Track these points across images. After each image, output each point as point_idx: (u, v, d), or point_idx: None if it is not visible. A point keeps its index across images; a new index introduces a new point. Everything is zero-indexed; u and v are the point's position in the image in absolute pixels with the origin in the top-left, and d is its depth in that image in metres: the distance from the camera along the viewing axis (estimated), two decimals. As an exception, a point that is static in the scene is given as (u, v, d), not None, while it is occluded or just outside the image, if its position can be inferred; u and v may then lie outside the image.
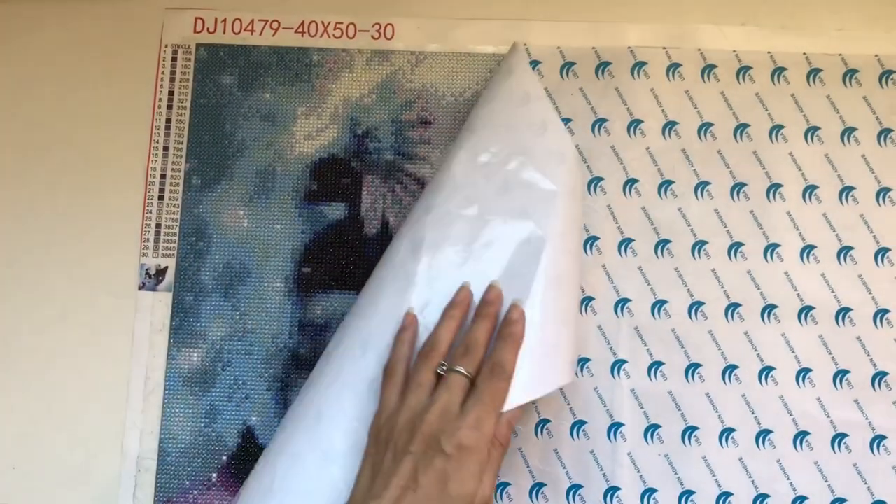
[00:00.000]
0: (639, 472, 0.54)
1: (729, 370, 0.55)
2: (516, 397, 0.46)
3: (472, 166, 0.53)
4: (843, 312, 0.55)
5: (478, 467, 0.43)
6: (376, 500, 0.42)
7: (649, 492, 0.54)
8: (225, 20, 0.61)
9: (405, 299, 0.51)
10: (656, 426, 0.54)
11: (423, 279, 0.51)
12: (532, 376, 0.47)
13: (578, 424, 0.54)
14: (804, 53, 0.58)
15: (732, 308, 0.56)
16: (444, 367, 0.47)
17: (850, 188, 0.57)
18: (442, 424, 0.44)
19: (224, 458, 0.56)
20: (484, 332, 0.48)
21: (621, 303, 0.56)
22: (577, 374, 0.54)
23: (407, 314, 0.50)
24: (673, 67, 0.59)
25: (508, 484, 0.54)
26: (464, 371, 0.46)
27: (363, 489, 0.44)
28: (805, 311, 0.55)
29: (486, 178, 0.53)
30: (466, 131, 0.55)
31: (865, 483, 0.54)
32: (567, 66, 0.59)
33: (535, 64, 0.59)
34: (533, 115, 0.55)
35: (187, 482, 0.56)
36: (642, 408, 0.54)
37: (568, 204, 0.53)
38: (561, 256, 0.51)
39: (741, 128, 0.58)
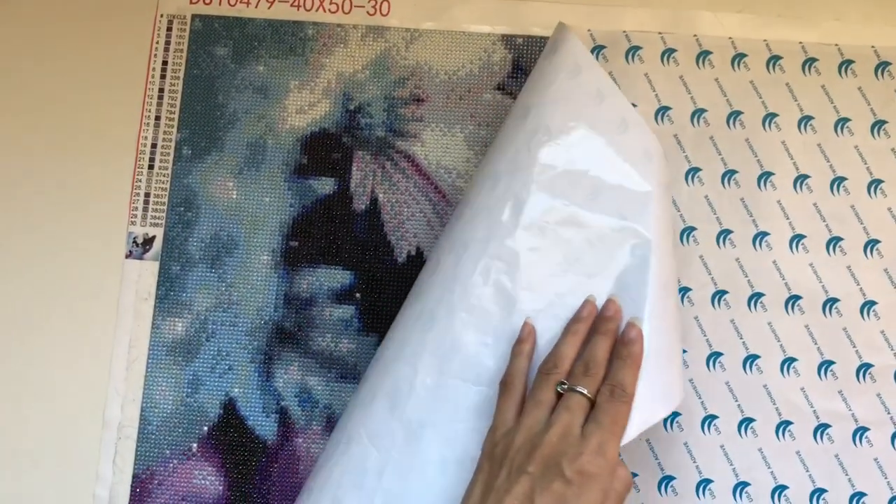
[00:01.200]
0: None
1: (713, 357, 0.55)
2: (638, 422, 0.44)
3: (556, 173, 0.50)
4: (830, 303, 0.55)
5: (600, 496, 0.41)
6: None
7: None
8: (221, -8, 0.61)
9: (511, 319, 0.49)
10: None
11: (524, 296, 0.49)
12: (652, 398, 0.45)
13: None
14: (800, 42, 0.58)
15: (719, 295, 0.55)
16: (565, 386, 0.45)
17: (842, 179, 0.57)
18: (563, 447, 0.42)
19: (205, 428, 0.56)
20: (604, 350, 0.46)
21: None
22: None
23: (525, 325, 0.48)
24: (668, 52, 0.58)
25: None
26: (585, 392, 0.44)
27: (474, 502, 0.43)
28: (792, 301, 0.55)
29: (571, 184, 0.50)
30: (535, 132, 0.51)
31: (846, 474, 0.53)
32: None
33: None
34: (611, 114, 0.51)
35: (167, 451, 0.56)
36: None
37: (663, 204, 0.50)
38: (665, 260, 0.49)
39: (734, 115, 0.57)
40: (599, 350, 0.46)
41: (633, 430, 0.44)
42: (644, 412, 0.45)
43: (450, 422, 0.48)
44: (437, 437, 0.48)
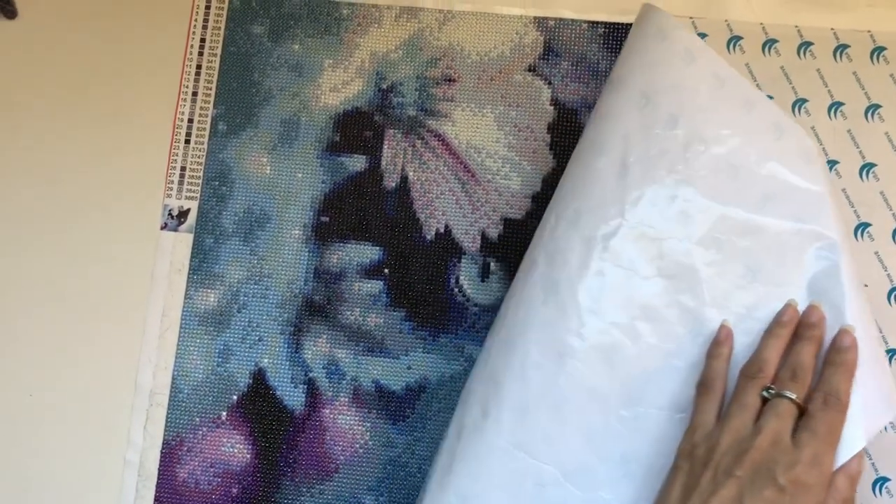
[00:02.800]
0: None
1: None
2: (854, 436, 0.43)
3: (719, 181, 0.49)
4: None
5: None
6: None
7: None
8: (259, -28, 0.62)
9: (699, 340, 0.48)
10: None
11: (711, 314, 0.48)
12: (869, 407, 0.44)
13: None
14: (832, 28, 0.58)
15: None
16: (772, 391, 0.44)
17: (871, 165, 0.57)
18: (774, 454, 0.41)
19: (234, 397, 0.57)
20: (810, 355, 0.45)
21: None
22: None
23: (722, 327, 0.47)
24: (699, 37, 0.59)
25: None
26: (794, 397, 0.43)
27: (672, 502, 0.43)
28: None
29: (738, 192, 0.49)
30: (688, 144, 0.50)
31: None
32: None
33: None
34: (764, 121, 0.50)
35: (197, 419, 0.57)
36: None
37: (836, 203, 0.49)
38: (852, 260, 0.48)
39: (765, 100, 0.58)
40: (806, 356, 0.45)
41: (857, 442, 0.43)
42: (863, 423, 0.43)
43: (656, 454, 0.47)
44: (642, 469, 0.47)
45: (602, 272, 0.49)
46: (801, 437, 0.42)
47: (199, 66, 0.61)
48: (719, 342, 0.47)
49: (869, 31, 0.58)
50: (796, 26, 0.58)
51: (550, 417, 0.48)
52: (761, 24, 0.59)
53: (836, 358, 0.44)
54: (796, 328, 0.46)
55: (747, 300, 0.48)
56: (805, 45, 0.58)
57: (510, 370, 0.49)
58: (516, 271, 0.53)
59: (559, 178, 0.57)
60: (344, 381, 0.57)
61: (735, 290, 0.48)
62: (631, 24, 0.59)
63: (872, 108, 0.57)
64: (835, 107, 0.57)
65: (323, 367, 0.57)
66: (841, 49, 0.58)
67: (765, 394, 0.44)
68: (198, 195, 0.60)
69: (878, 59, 0.58)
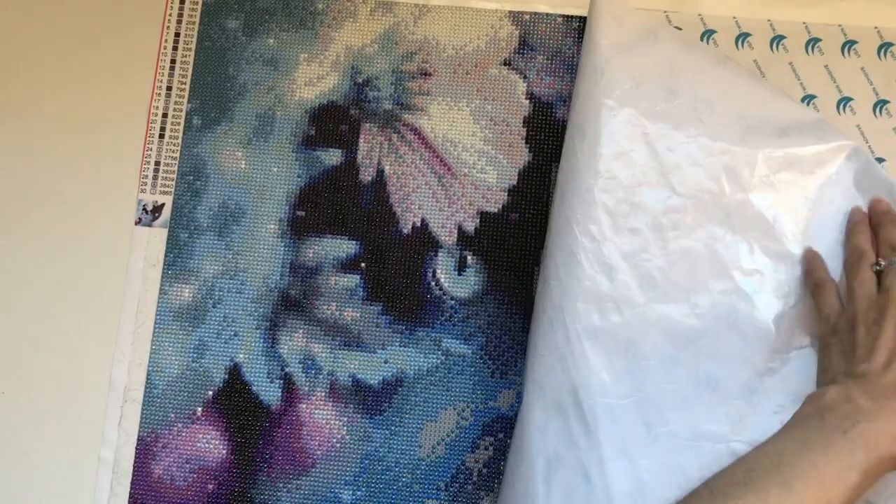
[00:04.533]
0: None
1: None
2: None
3: (735, 127, 0.53)
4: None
5: None
6: (866, 363, 0.44)
7: None
8: (233, -34, 0.62)
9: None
10: None
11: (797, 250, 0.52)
12: None
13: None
14: (804, 23, 0.59)
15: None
16: (882, 263, 0.48)
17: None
18: None
19: (210, 393, 0.57)
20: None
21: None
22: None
23: (807, 250, 0.51)
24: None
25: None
26: None
27: (838, 366, 0.46)
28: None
29: (764, 139, 0.53)
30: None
31: None
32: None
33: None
34: (739, 71, 0.56)
35: (172, 415, 0.57)
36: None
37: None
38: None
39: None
40: (894, 232, 0.49)
41: None
42: None
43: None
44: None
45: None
46: None
47: (173, 61, 0.61)
48: (809, 258, 0.51)
49: (840, 25, 0.59)
50: (769, 20, 0.59)
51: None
52: (734, 17, 0.59)
53: None
54: (870, 221, 0.51)
55: (825, 228, 0.52)
56: (777, 39, 0.59)
57: None
58: (495, 263, 0.53)
59: (535, 171, 0.57)
60: (321, 376, 0.57)
61: (810, 226, 0.52)
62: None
63: (844, 101, 0.58)
64: (807, 99, 0.58)
65: (299, 362, 0.57)
66: (813, 43, 0.59)
67: (876, 268, 0.48)
68: (172, 190, 0.59)
69: (849, 52, 0.58)
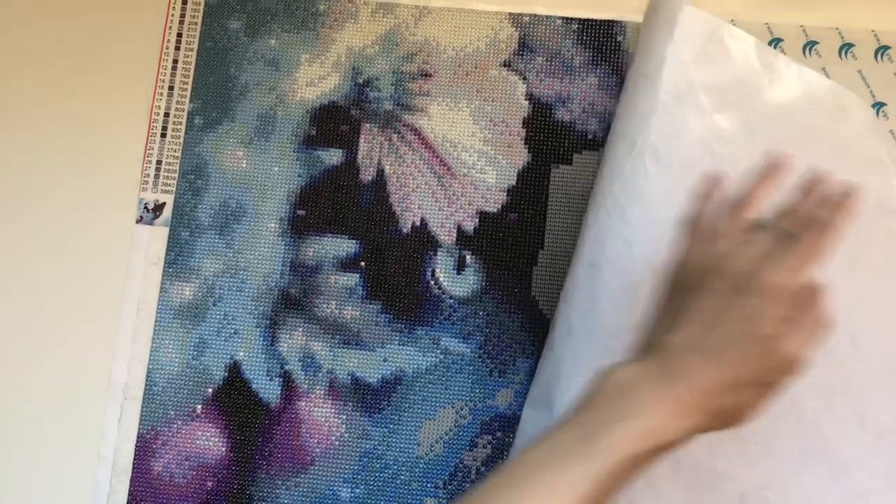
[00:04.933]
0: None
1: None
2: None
3: None
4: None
5: (786, 313, 0.39)
6: (668, 334, 0.40)
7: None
8: (236, -32, 0.62)
9: None
10: None
11: None
12: None
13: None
14: (801, 26, 0.59)
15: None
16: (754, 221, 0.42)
17: (841, 158, 0.57)
18: (751, 266, 0.39)
19: (210, 390, 0.57)
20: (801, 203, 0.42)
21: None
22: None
23: (708, 178, 0.45)
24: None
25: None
26: (777, 224, 0.41)
27: (659, 329, 0.41)
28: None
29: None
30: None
31: None
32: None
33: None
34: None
35: (172, 412, 0.57)
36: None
37: None
38: None
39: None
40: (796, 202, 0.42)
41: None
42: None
43: None
44: None
45: None
46: (780, 250, 0.40)
47: (175, 61, 0.61)
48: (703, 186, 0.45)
49: (837, 28, 0.59)
50: (766, 23, 0.59)
51: None
52: (732, 21, 0.59)
53: (833, 200, 0.41)
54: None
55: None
56: (775, 42, 0.59)
57: None
58: (493, 263, 0.54)
59: (534, 172, 0.58)
60: (320, 374, 0.57)
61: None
62: (605, 21, 0.60)
63: (841, 104, 0.58)
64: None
65: (299, 360, 0.57)
66: (810, 45, 0.59)
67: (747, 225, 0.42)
68: (173, 189, 0.60)
69: (846, 55, 0.59)
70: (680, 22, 0.53)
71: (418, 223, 0.58)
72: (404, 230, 0.58)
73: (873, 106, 0.58)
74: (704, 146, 0.52)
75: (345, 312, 0.58)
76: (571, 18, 0.60)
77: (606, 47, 0.60)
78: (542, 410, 0.52)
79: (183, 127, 0.60)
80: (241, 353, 0.57)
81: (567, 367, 0.51)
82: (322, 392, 0.57)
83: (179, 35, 0.62)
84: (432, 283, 0.58)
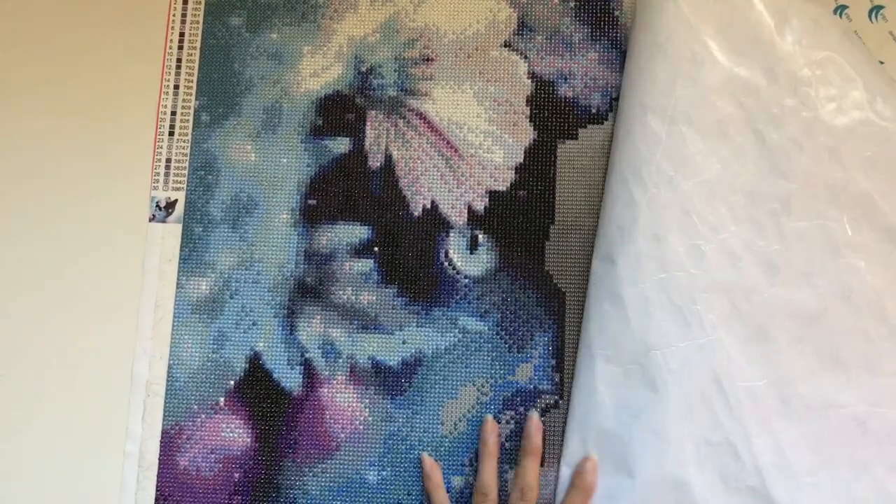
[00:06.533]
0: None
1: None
2: None
3: None
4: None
5: None
6: None
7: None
8: (234, -34, 0.63)
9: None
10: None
11: None
12: None
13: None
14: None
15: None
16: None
17: None
18: None
19: (231, 382, 0.57)
20: (534, 471, 0.53)
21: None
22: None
23: (424, 460, 0.55)
24: None
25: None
26: None
27: None
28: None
29: None
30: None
31: None
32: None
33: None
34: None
35: (195, 406, 0.57)
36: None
37: None
38: None
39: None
40: (531, 475, 0.53)
41: None
42: None
43: None
44: None
45: None
46: None
47: (179, 60, 0.62)
48: (427, 475, 0.55)
49: (832, -9, 0.60)
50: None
51: None
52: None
53: (577, 482, 0.53)
54: (524, 445, 0.54)
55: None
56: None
57: None
58: (506, 240, 0.55)
59: (540, 149, 0.58)
60: (340, 360, 0.57)
61: None
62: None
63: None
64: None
65: (318, 347, 0.57)
66: (840, 10, 0.60)
67: None
68: (184, 185, 0.60)
69: (876, 17, 0.59)
70: None
71: (429, 205, 0.59)
72: (415, 213, 0.59)
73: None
74: (732, 99, 0.54)
75: (361, 298, 0.58)
76: (568, -4, 0.61)
77: (604, 22, 0.61)
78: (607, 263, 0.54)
79: (190, 124, 0.61)
80: (261, 344, 0.58)
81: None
82: (343, 378, 0.57)
83: (182, 34, 0.62)
84: (446, 263, 0.58)
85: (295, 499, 0.56)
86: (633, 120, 0.55)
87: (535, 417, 0.55)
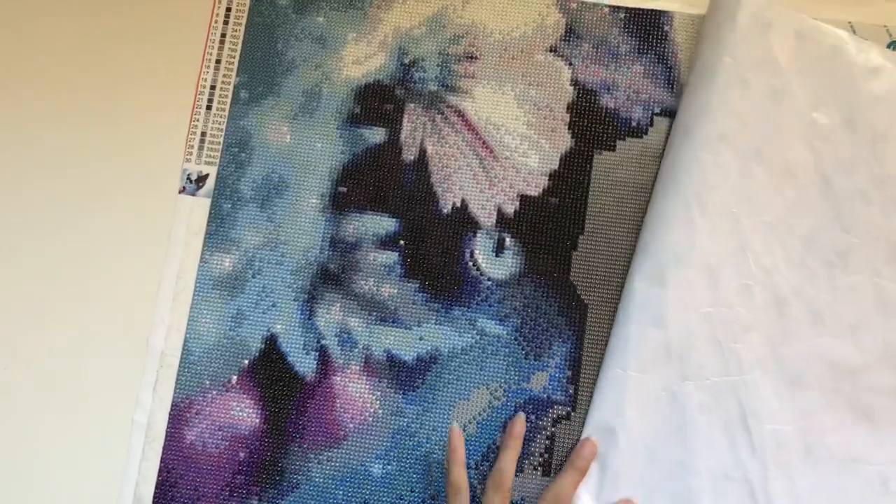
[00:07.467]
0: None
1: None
2: None
3: None
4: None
5: None
6: None
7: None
8: (286, -54, 0.63)
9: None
10: None
11: None
12: None
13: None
14: (849, 22, 0.59)
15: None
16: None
17: None
18: None
19: (245, 361, 0.57)
20: (510, 462, 0.53)
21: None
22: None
23: (452, 430, 0.55)
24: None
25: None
26: None
27: None
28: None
29: None
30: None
31: None
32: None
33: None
34: None
35: (207, 382, 0.57)
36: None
37: None
38: None
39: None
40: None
41: None
42: None
43: None
44: None
45: None
46: None
47: (223, 35, 0.62)
48: (454, 448, 0.53)
49: (885, 26, 0.59)
50: (815, 19, 0.59)
51: None
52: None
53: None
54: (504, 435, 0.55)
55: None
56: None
57: None
58: (533, 246, 0.54)
59: (576, 157, 0.58)
60: (356, 350, 0.57)
61: None
62: (651, 11, 0.60)
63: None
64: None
65: (335, 335, 0.57)
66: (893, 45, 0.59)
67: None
68: (217, 161, 0.60)
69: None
70: (770, 22, 0.55)
71: (459, 204, 0.59)
72: (445, 210, 0.59)
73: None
74: (805, 141, 0.54)
75: (382, 290, 0.58)
76: (619, 7, 0.61)
77: (653, 36, 0.60)
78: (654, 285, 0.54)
79: (228, 100, 0.61)
80: (279, 326, 0.58)
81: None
82: (357, 368, 0.57)
83: (228, 9, 0.62)
84: (471, 264, 0.58)
85: (298, 484, 0.56)
86: (705, 147, 0.54)
87: (522, 416, 0.55)
